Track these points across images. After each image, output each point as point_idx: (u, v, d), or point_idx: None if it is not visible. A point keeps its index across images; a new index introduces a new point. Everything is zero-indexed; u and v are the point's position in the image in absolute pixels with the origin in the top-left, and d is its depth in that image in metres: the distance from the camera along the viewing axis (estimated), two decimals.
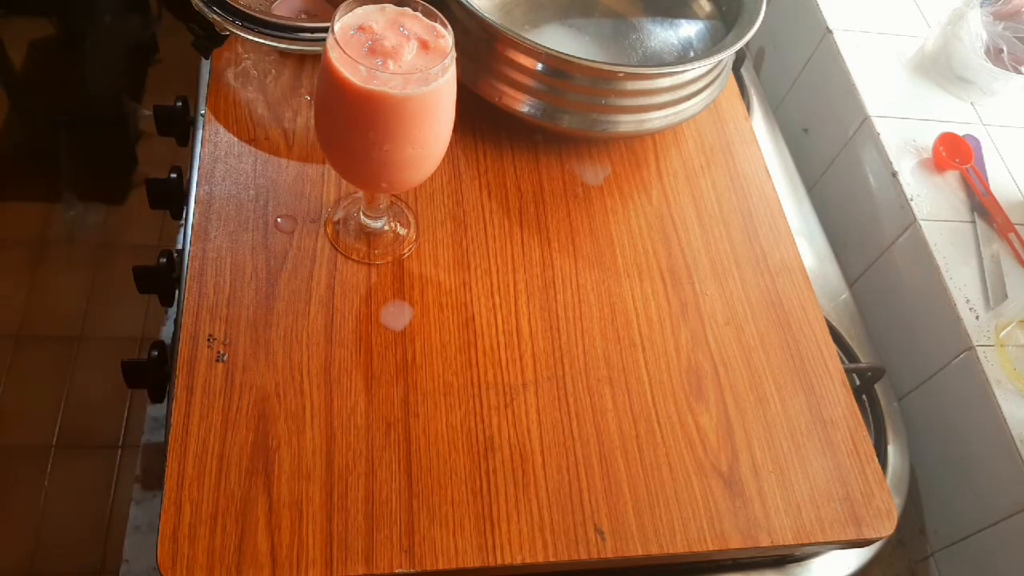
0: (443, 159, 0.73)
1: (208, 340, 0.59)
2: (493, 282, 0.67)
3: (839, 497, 0.61)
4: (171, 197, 0.74)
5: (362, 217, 0.67)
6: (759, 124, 1.00)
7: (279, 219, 0.67)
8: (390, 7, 0.55)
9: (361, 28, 0.54)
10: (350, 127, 0.54)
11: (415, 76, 0.52)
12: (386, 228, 0.68)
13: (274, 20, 0.71)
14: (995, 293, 0.82)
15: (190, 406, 0.56)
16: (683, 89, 0.73)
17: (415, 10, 0.55)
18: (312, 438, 0.57)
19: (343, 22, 0.54)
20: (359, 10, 0.54)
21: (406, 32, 0.54)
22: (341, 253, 0.65)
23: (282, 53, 0.77)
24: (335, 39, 0.52)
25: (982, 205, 0.89)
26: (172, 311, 0.80)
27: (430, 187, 0.71)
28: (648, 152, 0.80)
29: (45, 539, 1.29)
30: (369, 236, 0.67)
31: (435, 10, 0.55)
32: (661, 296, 0.69)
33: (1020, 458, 0.73)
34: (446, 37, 0.55)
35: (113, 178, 1.72)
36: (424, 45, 0.54)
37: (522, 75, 0.70)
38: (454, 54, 0.53)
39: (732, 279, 0.72)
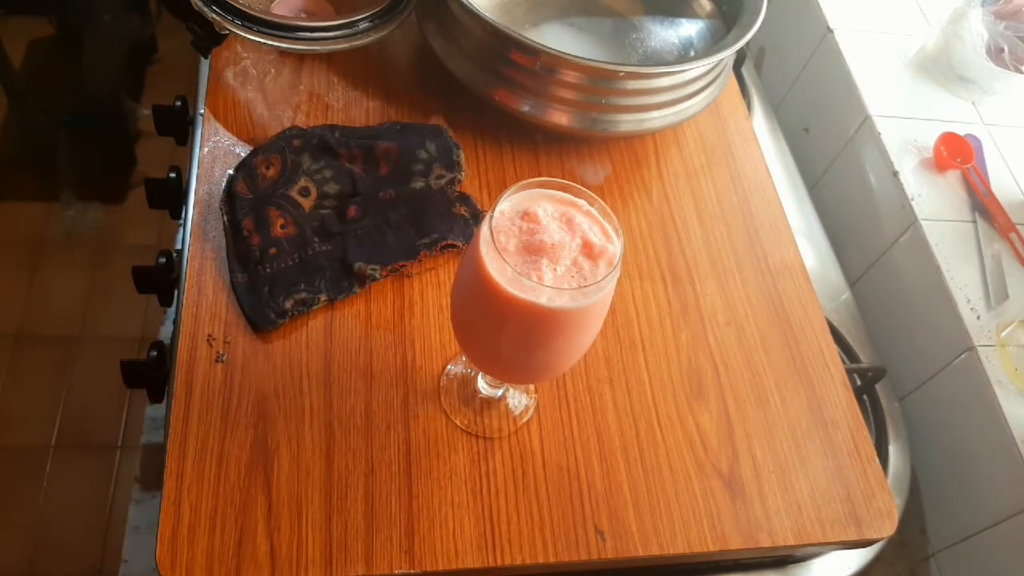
0: None
1: (207, 340, 0.59)
2: None
3: (840, 498, 0.61)
4: (170, 197, 0.74)
5: (480, 382, 0.61)
6: (760, 123, 1.00)
7: None
8: (565, 195, 0.48)
9: (526, 214, 0.47)
10: (485, 320, 0.49)
11: (568, 291, 0.45)
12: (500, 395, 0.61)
13: (273, 19, 0.70)
14: (996, 293, 0.82)
15: (189, 406, 0.56)
16: (683, 88, 0.73)
17: (591, 205, 0.48)
18: (312, 439, 0.56)
19: (509, 203, 0.47)
20: (528, 192, 0.48)
21: (573, 228, 0.47)
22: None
23: (281, 52, 0.77)
24: (490, 229, 0.45)
25: (983, 205, 0.89)
26: (171, 311, 0.80)
27: None
28: (648, 152, 0.79)
29: (44, 539, 1.29)
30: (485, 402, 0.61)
31: (610, 211, 0.48)
32: (661, 296, 0.69)
33: (1021, 458, 0.73)
34: (615, 243, 0.47)
35: (112, 178, 1.72)
36: (588, 248, 0.47)
37: (522, 74, 0.70)
38: (618, 269, 0.46)
39: (733, 279, 0.71)
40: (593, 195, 0.48)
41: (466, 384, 0.61)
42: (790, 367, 0.67)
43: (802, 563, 0.68)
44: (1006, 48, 0.95)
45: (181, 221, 0.70)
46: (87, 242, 1.61)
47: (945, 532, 0.82)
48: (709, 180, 0.78)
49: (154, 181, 0.74)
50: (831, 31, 1.03)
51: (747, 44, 0.74)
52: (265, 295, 0.60)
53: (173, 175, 0.74)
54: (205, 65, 0.75)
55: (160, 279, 0.69)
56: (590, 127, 0.72)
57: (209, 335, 0.60)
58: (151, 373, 0.63)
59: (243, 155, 0.69)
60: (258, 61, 0.76)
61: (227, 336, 0.60)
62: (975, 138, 0.94)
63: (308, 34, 0.71)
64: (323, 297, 0.62)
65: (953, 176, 0.92)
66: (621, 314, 0.67)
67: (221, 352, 0.59)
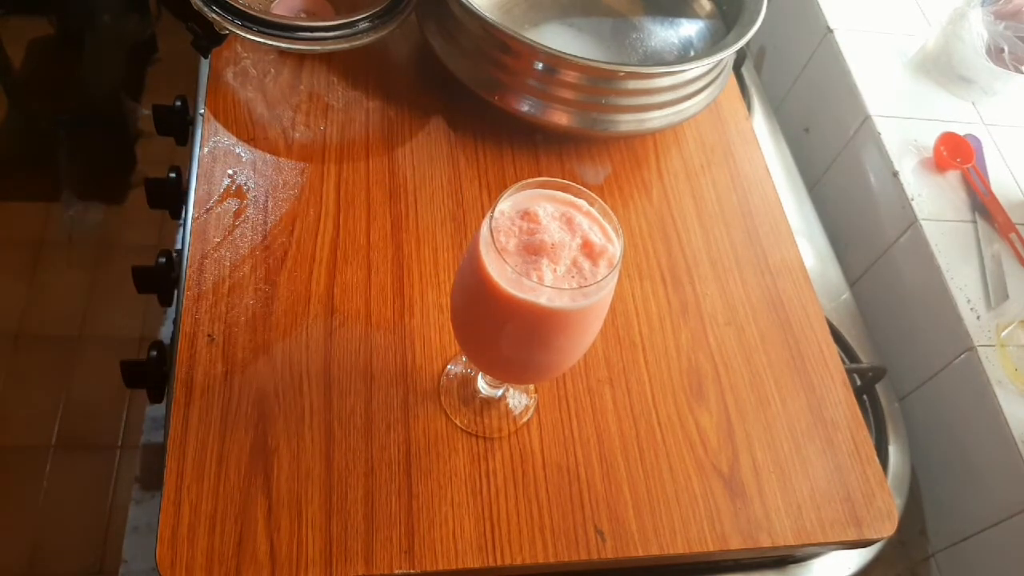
0: (443, 159, 0.73)
1: (207, 340, 0.59)
2: None
3: (840, 498, 0.61)
4: (170, 197, 0.74)
5: (480, 382, 0.61)
6: (760, 123, 1.00)
7: None
8: (565, 195, 0.48)
9: (526, 214, 0.47)
10: (485, 321, 0.49)
11: (568, 292, 0.45)
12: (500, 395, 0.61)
13: (273, 19, 0.70)
14: (996, 293, 0.82)
15: (189, 406, 0.56)
16: (683, 88, 0.73)
17: (591, 205, 0.48)
18: (311, 439, 0.56)
19: (510, 202, 0.47)
20: (528, 192, 0.48)
21: (573, 228, 0.47)
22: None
23: (281, 52, 0.77)
24: (490, 229, 0.45)
25: (983, 205, 0.89)
26: (171, 311, 0.80)
27: (430, 187, 0.71)
28: (648, 152, 0.79)
29: (44, 539, 1.29)
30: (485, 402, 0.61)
31: (610, 211, 0.47)
32: (661, 296, 0.69)
33: (1021, 458, 0.73)
34: (615, 244, 0.47)
35: (112, 178, 1.72)
36: (588, 248, 0.47)
37: (522, 74, 0.70)
38: (619, 268, 0.46)
39: (733, 279, 0.71)
40: (593, 195, 0.48)
41: (466, 384, 0.61)
42: (790, 367, 0.67)
43: (802, 563, 0.68)
44: (1006, 48, 0.95)
45: (181, 221, 0.70)
46: (87, 242, 1.61)
47: (945, 532, 0.82)
48: (709, 180, 0.78)
49: (154, 181, 0.74)
50: (831, 31, 1.03)
51: (747, 44, 0.74)
52: None
53: (173, 175, 0.74)
54: (205, 65, 0.75)
55: (160, 279, 0.69)
56: (590, 127, 0.72)
57: (209, 335, 0.60)
58: (151, 373, 0.63)
59: (243, 155, 0.69)
60: (258, 61, 0.76)
61: (226, 336, 0.60)
62: (975, 138, 0.94)
63: (308, 34, 0.71)
64: None
65: (953, 176, 0.92)
66: (621, 314, 0.67)
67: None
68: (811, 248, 0.91)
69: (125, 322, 1.50)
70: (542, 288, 0.45)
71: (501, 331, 0.48)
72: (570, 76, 0.69)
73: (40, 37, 1.79)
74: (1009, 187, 0.92)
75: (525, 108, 0.71)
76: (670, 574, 0.64)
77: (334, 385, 0.59)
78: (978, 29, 0.95)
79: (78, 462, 1.37)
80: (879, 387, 0.83)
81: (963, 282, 0.83)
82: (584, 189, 0.48)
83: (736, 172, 0.79)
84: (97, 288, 1.55)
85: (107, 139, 1.77)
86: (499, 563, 0.54)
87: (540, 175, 0.74)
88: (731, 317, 0.69)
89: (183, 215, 0.69)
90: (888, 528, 0.61)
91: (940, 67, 1.00)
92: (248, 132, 0.71)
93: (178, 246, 0.70)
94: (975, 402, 0.78)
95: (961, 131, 0.94)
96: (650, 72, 0.71)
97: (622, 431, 0.61)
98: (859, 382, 0.82)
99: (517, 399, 0.61)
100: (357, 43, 0.73)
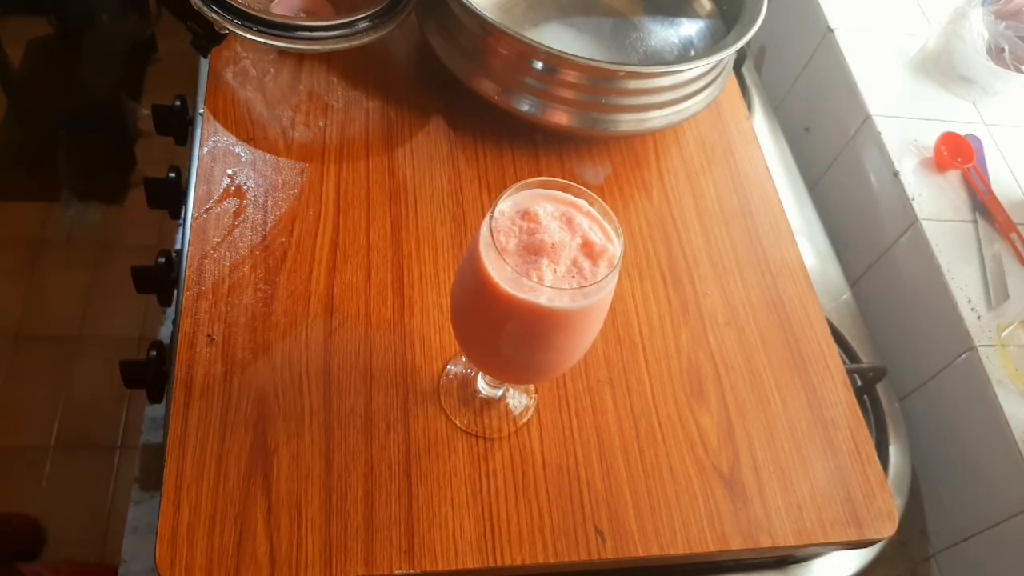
0: (443, 159, 0.73)
1: (207, 340, 0.59)
2: None
3: (840, 498, 0.61)
4: (170, 196, 0.74)
5: (480, 382, 0.61)
6: (760, 123, 1.00)
7: None
8: (565, 195, 0.48)
9: (526, 213, 0.47)
10: (484, 321, 0.48)
11: (568, 292, 0.45)
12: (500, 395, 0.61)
13: (273, 19, 0.70)
14: (997, 293, 0.82)
15: (188, 407, 0.56)
16: (684, 88, 0.73)
17: (591, 204, 0.48)
18: (311, 439, 0.56)
19: (509, 202, 0.47)
20: (528, 192, 0.48)
21: (573, 228, 0.47)
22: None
23: (281, 52, 0.77)
24: (490, 229, 0.45)
25: (984, 205, 0.89)
26: (171, 311, 0.80)
27: (430, 187, 0.71)
28: (649, 151, 0.79)
29: (44, 539, 1.29)
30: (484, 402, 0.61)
31: (610, 210, 0.47)
32: (662, 296, 0.69)
33: (1021, 458, 0.73)
34: (615, 244, 0.47)
35: (112, 177, 1.72)
36: (588, 248, 0.47)
37: (522, 74, 0.70)
38: (619, 268, 0.45)
39: (733, 279, 0.71)
40: (593, 195, 0.48)
41: (466, 384, 0.61)
42: (790, 367, 0.67)
43: (802, 563, 0.68)
44: (1007, 48, 0.95)
45: (180, 221, 0.70)
46: (87, 242, 1.61)
47: (945, 532, 0.82)
48: (709, 180, 0.78)
49: (154, 181, 0.74)
50: (831, 31, 1.03)
51: (747, 44, 0.74)
52: None
53: (173, 175, 0.74)
54: (205, 65, 0.75)
55: (159, 279, 0.69)
56: (590, 127, 0.72)
57: (209, 335, 0.59)
58: (150, 373, 0.63)
59: (243, 155, 0.69)
60: (257, 61, 0.76)
61: (226, 336, 0.60)
62: (975, 138, 0.94)
63: (307, 33, 0.71)
64: None
65: (954, 176, 0.92)
66: (621, 314, 0.67)
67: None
68: (811, 248, 0.90)
69: (125, 322, 1.50)
70: (542, 288, 0.44)
71: (501, 331, 0.48)
72: (570, 76, 0.69)
73: (39, 37, 1.79)
74: (1009, 187, 0.92)
75: (525, 108, 0.71)
76: (670, 574, 0.64)
77: (334, 385, 0.59)
78: (979, 29, 0.95)
79: (77, 462, 1.37)
80: (879, 387, 0.82)
81: (963, 282, 0.83)
82: (584, 189, 0.48)
83: (736, 172, 0.79)
84: (97, 288, 1.55)
85: (107, 139, 1.77)
86: (499, 563, 0.54)
87: (540, 175, 0.74)
88: (731, 317, 0.69)
89: (183, 215, 0.69)
90: (889, 528, 0.61)
91: (940, 67, 1.00)
92: (248, 132, 0.71)
93: (177, 246, 0.70)
94: (976, 402, 0.78)
95: (962, 131, 0.94)
96: (650, 72, 0.70)
97: (622, 431, 0.61)
98: (859, 382, 0.82)
99: (517, 399, 0.61)
100: (357, 43, 0.73)
